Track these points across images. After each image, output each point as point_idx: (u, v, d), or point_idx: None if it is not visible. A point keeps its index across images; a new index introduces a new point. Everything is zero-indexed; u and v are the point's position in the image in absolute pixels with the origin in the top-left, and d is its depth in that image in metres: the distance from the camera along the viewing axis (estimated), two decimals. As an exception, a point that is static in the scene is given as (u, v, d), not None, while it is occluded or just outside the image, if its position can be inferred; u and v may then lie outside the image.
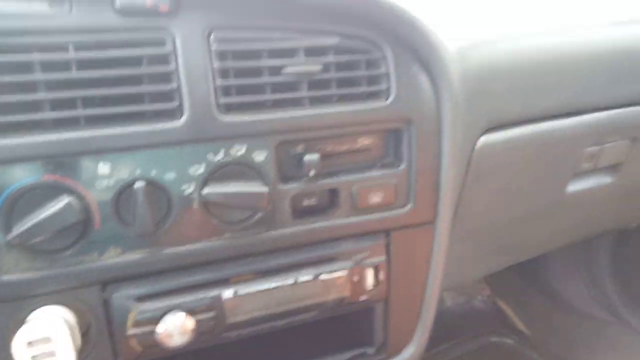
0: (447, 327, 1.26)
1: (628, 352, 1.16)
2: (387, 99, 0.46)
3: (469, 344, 1.20)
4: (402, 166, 0.48)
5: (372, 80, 0.45)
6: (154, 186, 0.40)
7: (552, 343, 1.23)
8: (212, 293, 0.43)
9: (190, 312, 0.42)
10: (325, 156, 0.46)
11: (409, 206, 0.50)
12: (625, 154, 0.77)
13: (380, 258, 0.50)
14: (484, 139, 0.59)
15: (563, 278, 1.33)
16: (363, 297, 0.49)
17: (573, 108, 0.66)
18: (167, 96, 0.39)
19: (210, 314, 0.43)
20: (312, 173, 0.44)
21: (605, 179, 0.79)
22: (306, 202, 0.46)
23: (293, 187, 0.44)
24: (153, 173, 0.40)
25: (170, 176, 0.40)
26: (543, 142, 0.66)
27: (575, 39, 0.63)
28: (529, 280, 1.38)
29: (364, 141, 0.47)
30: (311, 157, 0.44)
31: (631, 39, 0.68)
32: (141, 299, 0.42)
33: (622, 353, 1.16)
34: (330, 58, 0.44)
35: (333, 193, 0.47)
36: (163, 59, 0.39)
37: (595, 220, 0.90)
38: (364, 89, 0.45)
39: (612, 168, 0.79)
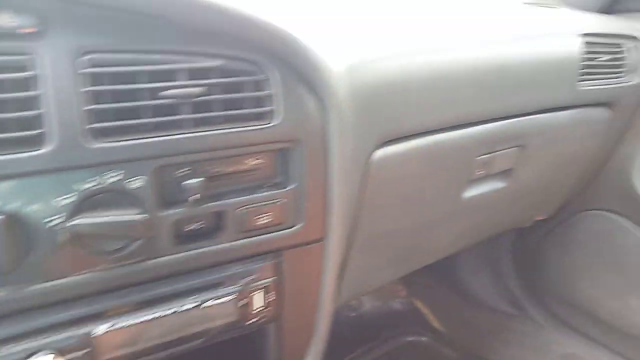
0: (365, 331, 1.29)
1: (530, 342, 1.25)
2: (273, 120, 0.45)
3: (385, 346, 1.23)
4: (291, 186, 0.48)
5: (258, 101, 0.45)
6: (15, 219, 0.36)
7: (464, 338, 1.29)
8: (84, 329, 0.40)
9: (60, 351, 0.39)
10: (210, 178, 0.45)
11: (299, 225, 0.49)
12: (514, 161, 0.83)
13: (270, 279, 0.49)
14: (380, 152, 0.60)
15: (471, 274, 1.41)
16: (252, 321, 0.49)
17: (464, 120, 0.70)
18: (30, 123, 0.36)
19: (82, 352, 0.40)
20: (194, 198, 0.42)
21: (498, 184, 0.84)
22: (191, 227, 0.45)
23: (174, 213, 0.43)
24: (14, 205, 0.36)
25: (34, 208, 0.37)
26: (438, 153, 0.69)
27: (463, 56, 0.66)
28: (441, 279, 1.44)
29: (252, 162, 0.47)
30: (193, 182, 0.42)
31: (513, 55, 0.73)
32: (3, 341, 0.38)
33: (525, 343, 1.25)
34: (214, 80, 0.43)
35: (219, 216, 0.46)
36: (26, 84, 0.36)
37: (491, 223, 0.96)
38: (250, 110, 0.44)
39: (504, 174, 0.84)
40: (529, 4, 0.95)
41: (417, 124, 0.63)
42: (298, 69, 0.46)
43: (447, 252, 0.94)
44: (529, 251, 1.28)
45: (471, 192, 0.80)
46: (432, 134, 0.66)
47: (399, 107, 0.59)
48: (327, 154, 0.49)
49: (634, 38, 0.90)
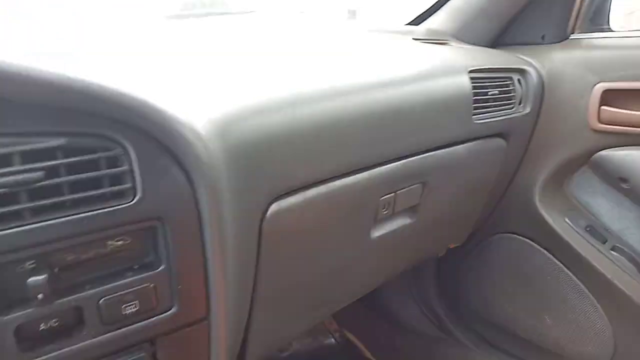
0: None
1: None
2: (133, 198, 0.41)
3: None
4: (161, 267, 0.44)
5: (114, 179, 0.40)
6: None
7: (397, 365, 1.29)
8: None
9: None
10: (64, 269, 0.40)
11: (173, 309, 0.45)
12: (419, 197, 0.83)
13: None
14: (274, 207, 0.58)
15: (399, 301, 1.41)
16: None
17: (362, 164, 0.69)
18: None
19: None
20: (40, 297, 0.37)
21: (405, 220, 0.84)
22: (43, 327, 0.39)
23: (17, 317, 0.37)
24: None
25: None
26: (338, 199, 0.67)
27: (354, 101, 0.65)
28: (370, 308, 1.44)
29: (115, 244, 0.42)
30: (37, 279, 0.37)
31: (408, 96, 0.73)
32: None
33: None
34: (58, 161, 0.38)
35: (78, 310, 0.41)
36: None
37: (404, 257, 0.96)
38: (104, 190, 0.40)
39: (410, 209, 0.84)
40: (419, 40, 0.98)
41: (311, 175, 0.62)
42: (158, 139, 0.41)
43: (362, 293, 0.93)
44: (449, 275, 1.30)
45: (379, 232, 0.80)
46: (330, 181, 0.65)
47: (287, 160, 0.57)
48: (202, 226, 0.45)
49: (520, 70, 0.95)
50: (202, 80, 0.54)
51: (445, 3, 1.08)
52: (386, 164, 0.73)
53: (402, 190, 0.79)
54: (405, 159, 0.76)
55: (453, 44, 1.01)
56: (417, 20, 1.11)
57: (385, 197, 0.76)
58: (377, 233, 0.79)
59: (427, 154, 0.79)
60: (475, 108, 0.85)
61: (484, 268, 1.20)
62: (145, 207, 0.41)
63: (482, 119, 0.86)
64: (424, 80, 0.77)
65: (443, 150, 0.82)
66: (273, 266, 0.63)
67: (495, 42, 1.05)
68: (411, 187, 0.80)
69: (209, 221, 0.45)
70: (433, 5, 1.09)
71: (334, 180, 0.65)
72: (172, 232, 0.43)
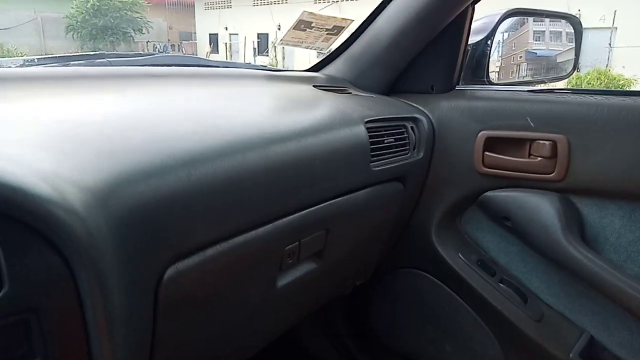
0: None
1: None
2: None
3: None
4: None
5: None
6: None
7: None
8: None
9: None
10: None
11: None
12: (323, 243, 0.84)
13: None
14: (171, 271, 0.55)
15: (310, 336, 1.41)
16: None
17: (263, 218, 0.68)
18: None
19: None
20: None
21: (310, 266, 0.85)
22: None
23: None
24: None
25: None
26: (241, 254, 0.66)
27: (253, 157, 0.64)
28: (281, 343, 1.42)
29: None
30: None
31: (308, 148, 0.75)
32: None
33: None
34: None
35: None
36: None
37: (311, 300, 0.97)
38: None
39: (315, 255, 0.85)
40: (319, 87, 1.01)
41: (210, 235, 0.60)
42: (24, 220, 0.37)
43: (271, 339, 0.92)
44: (357, 309, 1.33)
45: (284, 280, 0.80)
46: (231, 238, 0.64)
47: (184, 224, 0.55)
48: (85, 311, 0.42)
49: (413, 119, 1.02)
50: (76, 145, 0.49)
51: (344, 51, 1.13)
52: (289, 216, 0.73)
53: (306, 239, 0.79)
54: (308, 209, 0.77)
55: (351, 91, 1.06)
56: (317, 67, 1.15)
57: (290, 246, 0.76)
58: (282, 282, 0.79)
59: (329, 202, 0.81)
60: (373, 156, 0.88)
61: (388, 301, 1.25)
62: (13, 300, 0.37)
63: (380, 166, 0.90)
64: (323, 132, 0.79)
65: (344, 198, 0.84)
66: (173, 330, 0.60)
67: (390, 89, 1.12)
68: (315, 234, 0.82)
69: (92, 306, 0.42)
70: (332, 52, 1.14)
71: (235, 237, 0.64)
72: (48, 323, 0.40)
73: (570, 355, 0.96)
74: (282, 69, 1.12)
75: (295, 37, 1.04)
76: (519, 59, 1.53)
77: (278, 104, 0.89)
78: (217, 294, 0.66)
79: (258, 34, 22.03)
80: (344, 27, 1.07)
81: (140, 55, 1.31)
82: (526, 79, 1.39)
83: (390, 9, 1.03)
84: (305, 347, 1.41)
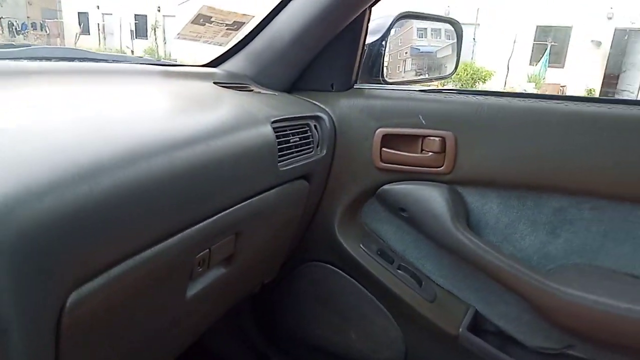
0: None
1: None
2: None
3: None
4: None
5: None
6: None
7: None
8: None
9: None
10: None
11: None
12: (233, 247, 0.83)
13: None
14: (74, 296, 0.50)
15: (216, 335, 1.39)
16: None
17: (173, 228, 0.65)
18: None
19: None
20: None
21: (220, 271, 0.83)
22: None
23: None
24: None
25: None
26: (148, 269, 0.62)
27: (157, 164, 0.61)
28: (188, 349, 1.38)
29: None
30: None
31: (214, 152, 0.72)
32: None
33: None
34: None
35: None
36: None
37: (221, 304, 0.96)
38: None
39: (225, 260, 0.83)
40: (220, 84, 0.99)
41: (116, 253, 0.56)
42: None
43: (184, 347, 0.89)
44: (265, 306, 1.34)
45: (195, 289, 0.77)
46: (139, 253, 0.60)
47: (86, 243, 0.50)
48: None
49: (316, 117, 1.04)
50: None
51: (244, 46, 1.11)
52: (199, 223, 0.70)
53: (216, 245, 0.78)
54: (218, 214, 0.75)
55: (253, 88, 1.05)
56: (216, 62, 1.11)
57: (201, 254, 0.74)
58: (192, 291, 0.77)
59: (239, 206, 0.80)
60: (280, 156, 0.89)
61: (295, 295, 1.27)
62: None
63: (287, 165, 0.91)
64: (230, 133, 0.78)
65: (254, 199, 0.84)
66: (78, 354, 0.55)
67: (292, 87, 1.13)
68: (225, 239, 0.80)
69: None
70: (232, 47, 1.11)
71: (143, 252, 0.60)
72: None
73: (460, 330, 1.07)
74: (178, 63, 1.06)
75: (193, 31, 1.00)
76: (404, 55, 1.64)
77: (180, 104, 0.85)
78: (125, 313, 0.62)
79: (135, 15, 20.54)
80: (244, 22, 1.05)
81: (9, 46, 1.14)
82: (411, 73, 1.49)
83: (292, 6, 1.03)
84: (214, 349, 1.38)
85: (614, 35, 14.77)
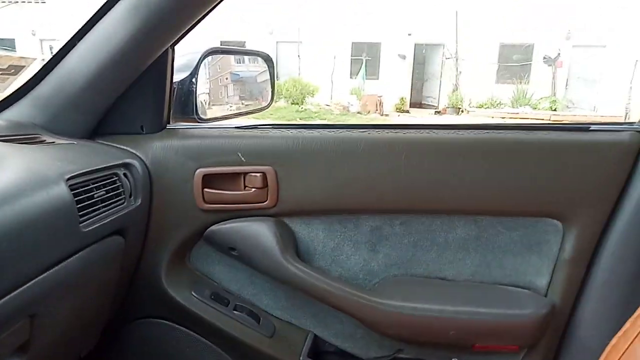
0: None
1: None
2: None
3: None
4: None
5: None
6: None
7: None
8: None
9: None
10: None
11: None
12: (28, 333, 0.71)
13: None
14: None
15: None
16: None
17: None
18: None
19: None
20: None
21: None
22: None
23: None
24: None
25: None
26: None
27: None
28: None
29: None
30: None
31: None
32: None
33: None
34: None
35: None
36: None
37: None
38: None
39: (19, 350, 0.71)
40: (2, 137, 0.84)
41: None
42: None
43: None
44: None
45: None
46: None
47: None
48: None
49: (125, 165, 0.95)
50: None
51: (29, 91, 0.96)
52: None
53: (4, 335, 0.65)
54: (4, 297, 0.63)
55: (45, 138, 0.92)
56: (-7, 110, 0.95)
57: None
58: None
59: (32, 282, 0.68)
60: (82, 215, 0.79)
61: (127, 355, 1.15)
62: None
63: (93, 224, 0.81)
64: (9, 203, 0.66)
65: (52, 271, 0.72)
66: None
67: (94, 131, 1.02)
68: (16, 326, 0.68)
69: None
70: (13, 92, 0.96)
71: None
72: None
73: (301, 358, 1.08)
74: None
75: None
76: (225, 81, 1.63)
77: None
78: None
79: None
80: (24, 66, 0.91)
81: None
82: (234, 98, 1.48)
83: (81, 48, 0.93)
84: None
85: (414, 49, 16.97)
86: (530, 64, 16.08)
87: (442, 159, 1.00)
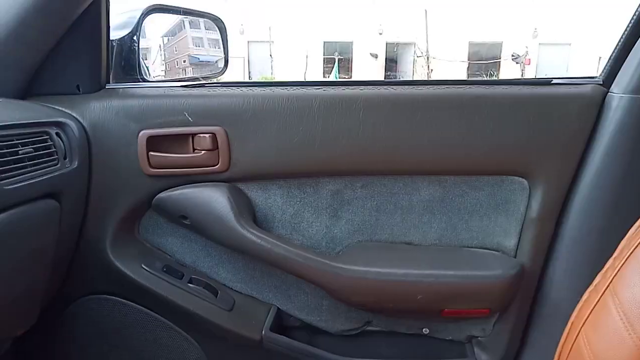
0: None
1: None
2: None
3: None
4: None
5: None
6: None
7: None
8: None
9: None
10: None
11: None
12: None
13: None
14: None
15: None
16: None
17: None
18: None
19: None
20: None
21: None
22: None
23: None
24: None
25: None
26: None
27: None
28: None
29: None
30: None
31: None
32: None
33: None
34: None
35: None
36: None
37: None
38: None
39: None
40: None
41: None
42: None
43: None
44: (31, 357, 1.09)
45: None
46: None
47: None
48: None
49: (58, 123, 0.87)
50: None
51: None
52: None
53: None
54: None
55: None
56: None
57: None
58: None
59: None
60: (3, 171, 0.71)
61: (71, 339, 1.07)
62: None
63: (17, 183, 0.73)
64: None
65: None
66: None
67: (25, 92, 0.93)
68: None
69: None
70: None
71: None
72: None
73: (263, 332, 1.02)
74: None
75: None
76: (183, 63, 1.55)
77: None
78: None
79: None
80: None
81: None
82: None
83: None
84: None
85: (386, 48, 17.11)
86: (499, 61, 16.40)
87: (400, 116, 0.95)
